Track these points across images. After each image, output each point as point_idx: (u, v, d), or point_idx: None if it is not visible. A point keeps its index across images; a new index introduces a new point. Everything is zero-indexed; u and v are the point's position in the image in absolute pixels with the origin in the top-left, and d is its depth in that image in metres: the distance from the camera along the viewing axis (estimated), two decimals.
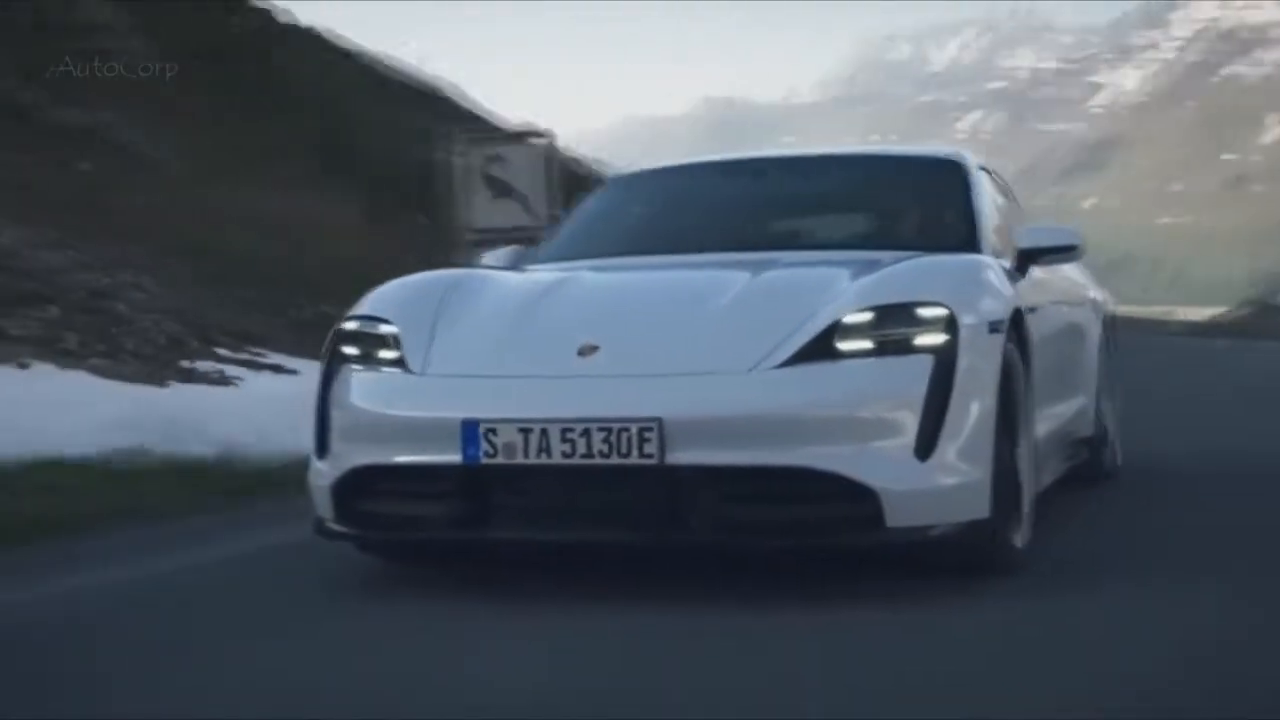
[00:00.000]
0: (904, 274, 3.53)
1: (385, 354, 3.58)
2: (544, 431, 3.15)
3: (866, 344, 3.23)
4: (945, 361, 3.17)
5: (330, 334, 3.74)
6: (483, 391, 3.34)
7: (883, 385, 3.18)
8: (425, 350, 3.52)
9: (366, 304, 3.80)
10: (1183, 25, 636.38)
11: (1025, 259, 4.17)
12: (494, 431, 3.18)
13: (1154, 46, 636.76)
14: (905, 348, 3.22)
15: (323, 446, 3.57)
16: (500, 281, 3.98)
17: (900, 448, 3.13)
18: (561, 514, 3.27)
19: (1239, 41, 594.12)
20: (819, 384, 3.18)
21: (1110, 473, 5.77)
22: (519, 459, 3.16)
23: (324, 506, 3.54)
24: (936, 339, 3.20)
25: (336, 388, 3.58)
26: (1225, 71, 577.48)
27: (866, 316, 3.26)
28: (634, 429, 3.10)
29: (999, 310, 3.46)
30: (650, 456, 3.09)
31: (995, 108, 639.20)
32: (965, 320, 3.25)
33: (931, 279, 3.46)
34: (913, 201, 4.66)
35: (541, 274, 4.06)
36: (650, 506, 3.19)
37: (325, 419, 3.57)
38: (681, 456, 3.09)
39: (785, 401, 3.15)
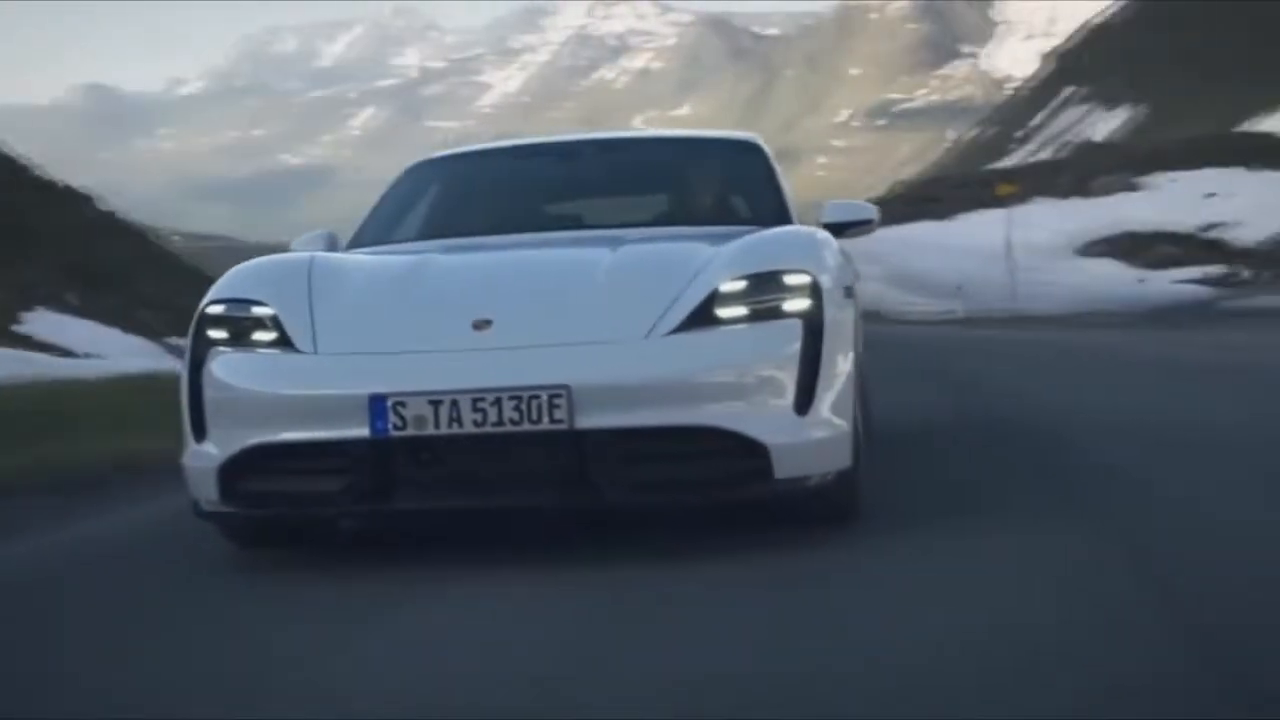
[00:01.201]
0: (766, 244, 3.73)
1: (262, 335, 3.56)
2: (454, 403, 3.24)
3: (742, 310, 3.41)
4: (813, 324, 3.39)
5: (195, 318, 3.68)
6: (386, 367, 3.38)
7: (762, 348, 3.37)
8: (310, 330, 3.52)
9: (227, 288, 3.73)
10: (556, 30, 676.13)
11: (833, 232, 4.25)
12: (403, 404, 3.26)
13: (532, 50, 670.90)
14: (776, 313, 3.41)
15: (200, 429, 3.54)
16: (361, 264, 4.01)
17: (782, 406, 3.33)
18: (471, 482, 3.33)
19: (606, 48, 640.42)
20: (708, 349, 3.34)
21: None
22: (429, 430, 3.24)
23: (205, 488, 3.52)
24: (803, 304, 3.42)
25: (212, 370, 3.54)
26: (596, 75, 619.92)
27: (741, 285, 3.44)
28: (544, 396, 3.22)
29: (848, 276, 3.79)
30: (560, 422, 3.21)
31: (387, 104, 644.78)
32: (826, 285, 3.48)
33: (791, 249, 3.67)
34: (721, 180, 4.91)
35: (400, 256, 4.07)
36: (560, 470, 3.28)
37: (199, 402, 3.54)
38: (588, 421, 3.22)
39: (680, 366, 3.30)
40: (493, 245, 4.28)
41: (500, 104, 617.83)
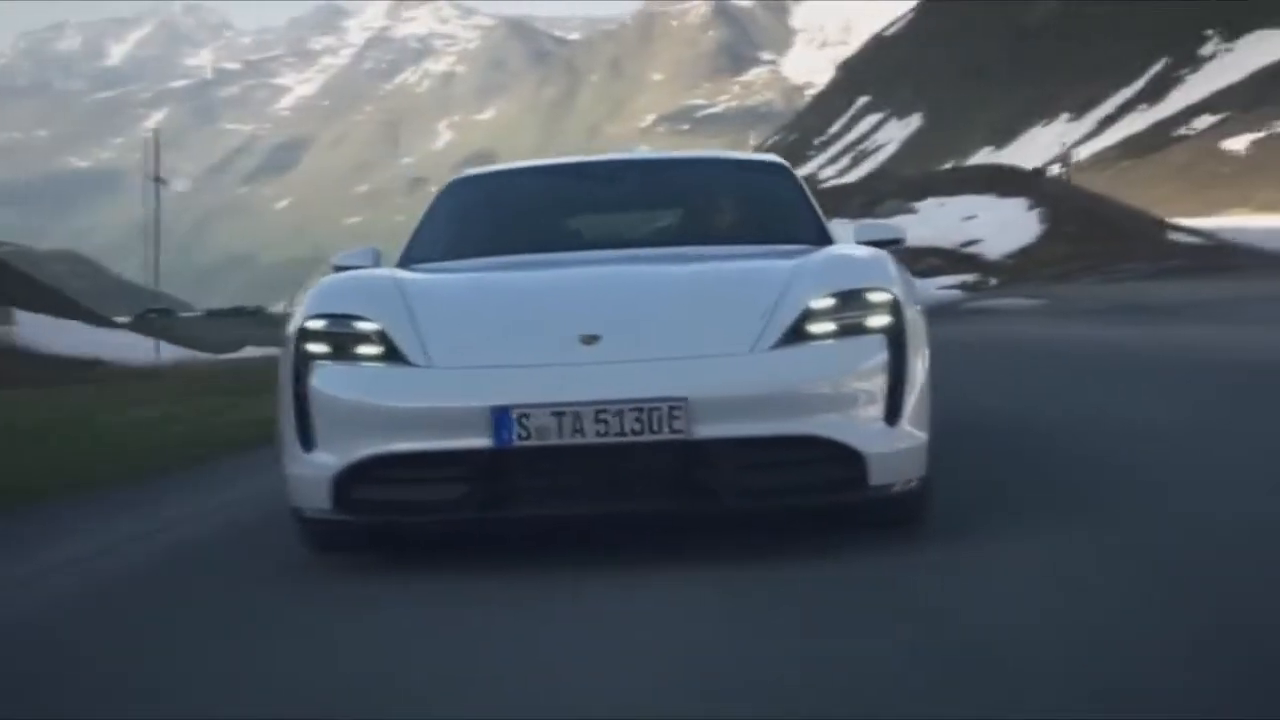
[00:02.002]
0: (846, 263, 3.97)
1: (367, 349, 3.67)
2: (578, 414, 3.38)
3: (832, 326, 3.59)
4: (896, 339, 3.61)
5: (294, 332, 3.78)
6: (506, 380, 3.49)
7: (854, 362, 3.56)
8: (421, 344, 3.63)
9: (324, 303, 3.84)
10: (357, 32, 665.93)
11: None
12: (527, 416, 3.39)
13: (332, 52, 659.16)
14: (862, 329, 3.60)
15: (308, 439, 3.64)
16: (452, 281, 4.19)
17: (875, 416, 3.53)
18: (590, 489, 3.48)
19: (408, 51, 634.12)
20: (808, 362, 3.53)
21: None
22: (551, 440, 3.39)
23: (316, 497, 3.62)
24: (885, 320, 3.62)
25: (317, 383, 3.65)
26: (399, 79, 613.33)
27: (830, 302, 3.62)
28: (664, 408, 3.39)
29: (916, 293, 3.91)
30: (679, 432, 3.39)
31: (180, 105, 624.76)
32: (904, 302, 3.70)
33: (870, 268, 3.86)
34: (758, 198, 5.10)
35: (490, 273, 4.28)
36: (677, 477, 3.45)
37: (306, 413, 3.65)
38: (704, 430, 3.40)
39: (786, 378, 3.48)
40: (576, 261, 4.41)
41: (298, 107, 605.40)
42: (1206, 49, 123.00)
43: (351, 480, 3.57)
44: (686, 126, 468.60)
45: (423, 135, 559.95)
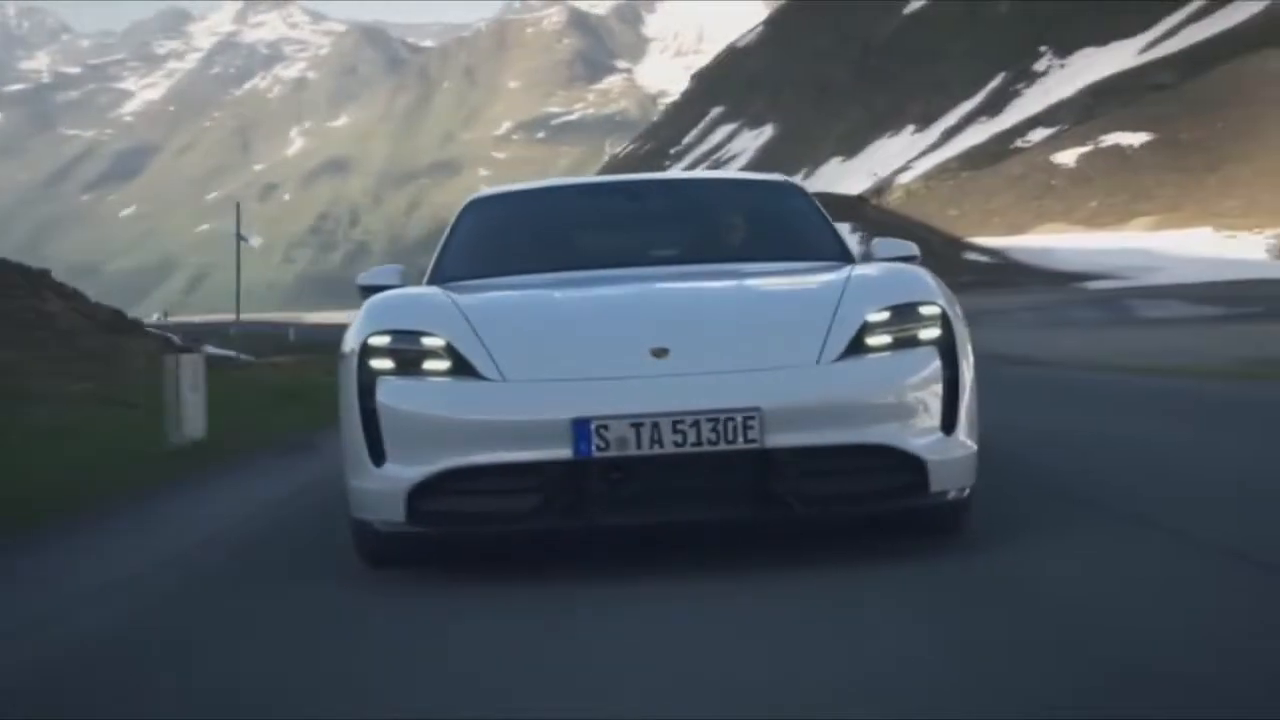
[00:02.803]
0: (896, 278, 4.06)
1: (436, 364, 3.72)
2: (655, 425, 3.47)
3: (888, 339, 3.71)
4: (947, 351, 3.74)
5: (359, 348, 3.81)
6: (582, 393, 3.56)
7: (912, 373, 3.68)
8: (491, 359, 3.69)
9: (387, 320, 3.90)
10: (203, 37, 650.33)
11: None
12: (606, 427, 3.47)
13: (178, 56, 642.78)
14: (916, 341, 3.73)
15: (378, 453, 3.69)
16: (509, 298, 4.25)
17: (933, 426, 3.66)
18: (667, 498, 3.55)
19: (259, 56, 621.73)
20: (870, 373, 3.65)
21: None
22: (630, 451, 3.47)
23: (388, 509, 3.67)
24: (936, 332, 3.75)
25: (386, 398, 3.69)
26: (249, 85, 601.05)
27: (885, 316, 3.74)
28: (739, 418, 3.48)
29: (958, 305, 4.00)
30: (753, 441, 3.48)
31: (16, 111, 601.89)
32: (953, 315, 3.83)
33: (918, 283, 3.96)
34: (780, 217, 5.15)
35: (548, 290, 4.28)
36: (751, 485, 3.54)
37: (376, 428, 3.69)
38: (776, 440, 3.50)
39: (852, 389, 3.61)
40: (629, 278, 4.43)
41: (143, 112, 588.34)
42: (1041, 65, 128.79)
43: (426, 493, 3.62)
44: (542, 135, 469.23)
45: (275, 142, 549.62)
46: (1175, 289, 38.74)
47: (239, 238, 34.21)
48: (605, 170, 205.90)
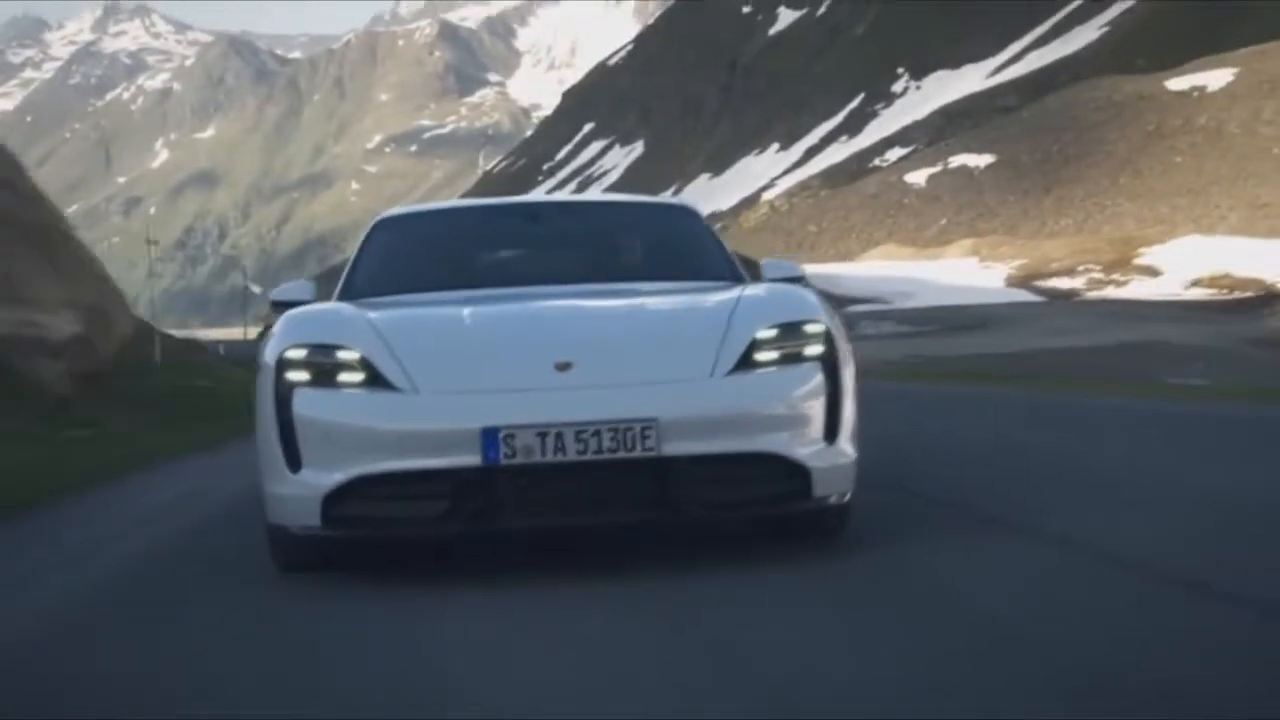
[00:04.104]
0: (783, 298, 4.28)
1: (350, 376, 3.89)
2: (559, 434, 3.67)
3: (775, 354, 3.94)
4: (830, 366, 3.98)
5: (275, 361, 3.97)
6: (491, 403, 3.75)
7: (798, 387, 3.91)
8: (404, 371, 3.86)
9: (301, 333, 4.06)
10: (60, 45, 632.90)
11: None
12: (513, 436, 3.66)
13: (34, 65, 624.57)
14: (801, 357, 3.97)
15: (295, 461, 3.85)
16: (420, 314, 4.40)
17: (817, 435, 3.91)
18: (569, 503, 3.76)
19: (121, 66, 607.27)
20: (760, 387, 3.89)
21: None
22: (536, 458, 3.67)
23: (304, 514, 3.84)
24: (821, 348, 3.99)
25: (302, 408, 3.86)
26: (110, 95, 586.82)
27: (773, 333, 3.98)
28: (638, 427, 3.69)
29: (842, 324, 4.25)
30: (651, 450, 3.69)
31: None
32: (836, 333, 4.07)
33: (804, 302, 4.20)
34: (674, 239, 5.36)
35: (455, 307, 4.40)
36: (648, 491, 3.76)
37: (292, 437, 3.86)
38: (672, 448, 3.71)
39: (743, 401, 3.84)
40: (534, 295, 4.63)
41: None
42: (898, 86, 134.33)
43: (340, 498, 3.77)
44: (414, 148, 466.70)
45: (138, 154, 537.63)
46: (899, 312, 46.46)
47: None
48: (479, 184, 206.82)
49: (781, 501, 3.90)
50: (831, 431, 3.93)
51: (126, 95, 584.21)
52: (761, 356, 3.92)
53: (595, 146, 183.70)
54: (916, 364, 23.05)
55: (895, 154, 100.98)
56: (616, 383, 3.80)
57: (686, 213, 5.57)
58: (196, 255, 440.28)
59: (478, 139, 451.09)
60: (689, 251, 5.19)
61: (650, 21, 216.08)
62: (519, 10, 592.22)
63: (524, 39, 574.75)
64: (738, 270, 5.01)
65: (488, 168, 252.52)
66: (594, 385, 3.79)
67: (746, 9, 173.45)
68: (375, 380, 3.87)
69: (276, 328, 4.18)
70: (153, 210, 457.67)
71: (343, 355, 3.94)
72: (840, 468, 3.96)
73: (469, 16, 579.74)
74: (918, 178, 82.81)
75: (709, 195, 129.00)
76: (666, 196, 7.03)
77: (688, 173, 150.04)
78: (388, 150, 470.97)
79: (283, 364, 3.95)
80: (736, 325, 3.98)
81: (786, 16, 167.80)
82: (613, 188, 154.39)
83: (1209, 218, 66.98)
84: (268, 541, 4.14)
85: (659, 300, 4.46)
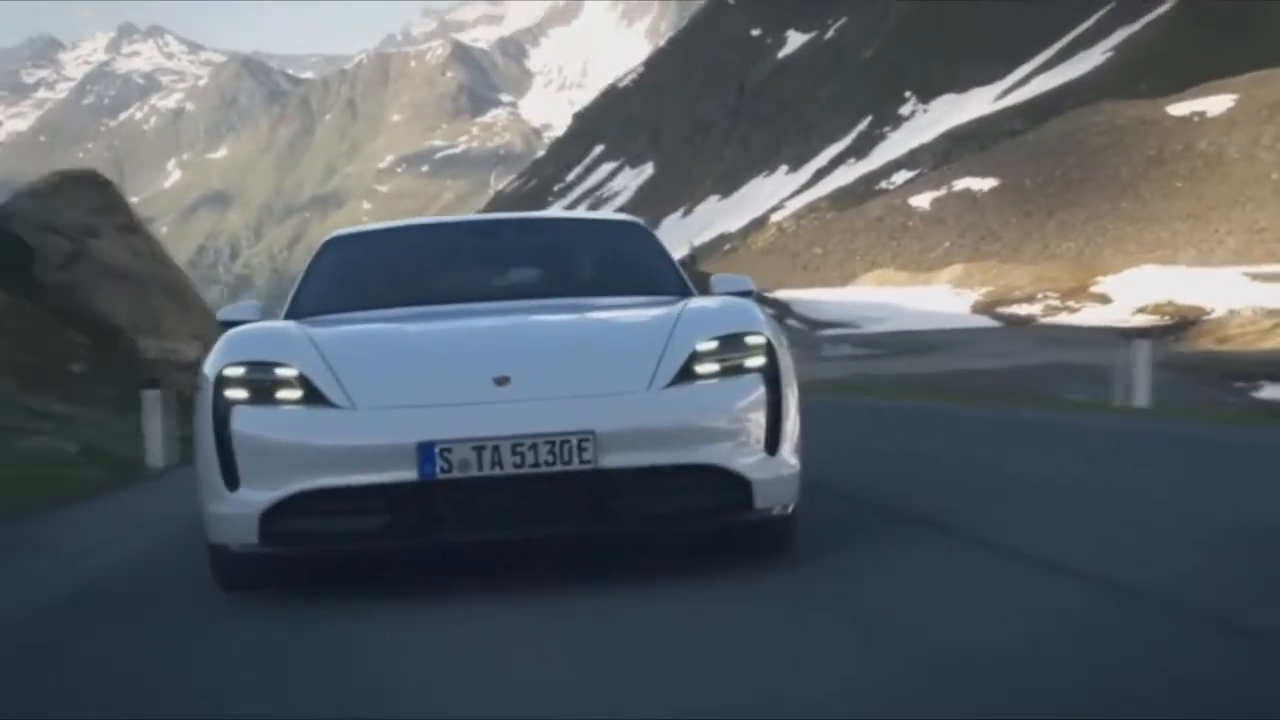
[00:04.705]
0: (724, 311, 4.30)
1: (288, 393, 3.88)
2: (496, 448, 3.68)
3: (715, 367, 3.96)
4: (772, 378, 4.00)
5: (214, 378, 3.97)
6: (427, 418, 3.75)
7: (738, 399, 3.92)
8: (341, 388, 3.86)
9: (240, 351, 4.07)
10: (75, 66, 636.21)
11: None
12: (449, 450, 3.67)
13: (48, 85, 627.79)
14: (742, 369, 3.98)
15: (232, 479, 3.85)
16: (361, 331, 4.41)
17: (758, 447, 3.91)
18: (508, 516, 3.76)
19: (134, 87, 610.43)
20: (698, 399, 3.90)
21: None
22: (472, 472, 3.68)
23: (242, 532, 3.84)
24: (761, 360, 4.01)
25: (240, 425, 3.86)
26: (124, 115, 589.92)
27: (713, 345, 3.99)
28: (574, 440, 3.70)
29: (783, 337, 4.29)
30: (588, 462, 3.71)
31: None
32: (778, 345, 4.10)
33: (745, 314, 4.22)
34: (623, 255, 5.38)
35: (397, 324, 4.47)
36: (586, 503, 3.76)
37: (230, 454, 3.85)
38: (609, 461, 3.73)
39: (680, 413, 3.85)
40: (476, 312, 4.60)
41: (10, 143, 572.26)
42: (906, 109, 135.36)
43: (278, 515, 3.76)
44: (427, 168, 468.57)
45: (151, 174, 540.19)
46: (860, 336, 49.33)
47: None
48: (491, 205, 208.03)
49: (722, 513, 3.92)
50: (773, 443, 3.96)
51: (139, 115, 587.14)
52: (702, 369, 3.93)
53: (606, 168, 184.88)
54: (851, 382, 25.37)
55: (902, 176, 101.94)
56: (554, 396, 3.83)
57: (637, 229, 5.61)
58: (209, 275, 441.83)
59: (489, 159, 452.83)
60: (639, 267, 5.22)
61: (661, 44, 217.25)
62: (531, 31, 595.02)
63: (536, 60, 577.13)
64: (687, 285, 5.05)
65: (499, 188, 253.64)
66: (531, 399, 3.82)
67: (756, 32, 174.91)
68: (313, 397, 3.88)
69: (216, 346, 4.19)
70: (165, 230, 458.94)
71: (280, 372, 3.95)
72: (782, 479, 3.99)
73: (481, 37, 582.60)
74: (922, 201, 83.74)
75: (718, 217, 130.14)
76: (614, 213, 7.12)
77: (697, 194, 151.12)
78: (400, 170, 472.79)
79: (221, 381, 3.97)
80: (677, 338, 4.00)
81: (795, 39, 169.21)
82: (622, 209, 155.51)
83: (1208, 242, 68.05)
84: (209, 561, 4.10)
85: (601, 315, 4.56)
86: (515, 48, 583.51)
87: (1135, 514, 5.09)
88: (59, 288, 22.89)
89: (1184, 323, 47.09)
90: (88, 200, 26.44)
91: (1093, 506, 5.37)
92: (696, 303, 4.52)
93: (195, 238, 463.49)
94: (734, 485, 3.88)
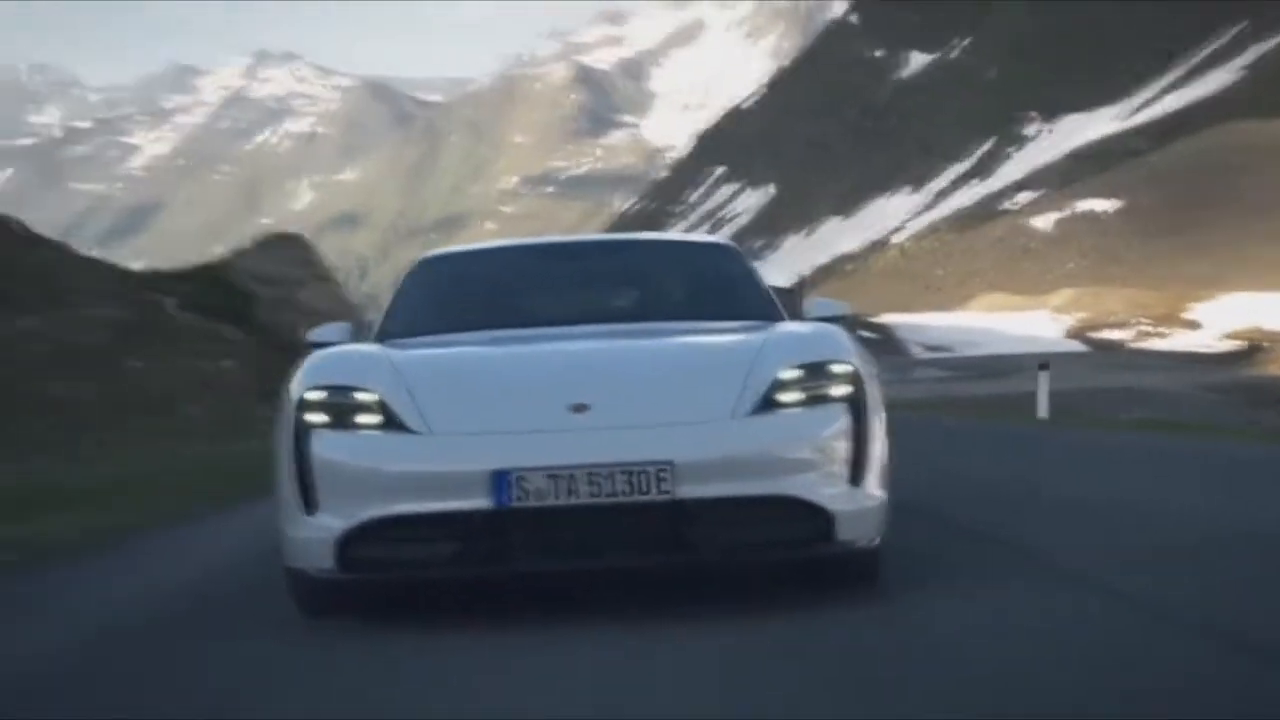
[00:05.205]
0: (810, 338, 4.27)
1: (367, 418, 3.90)
2: (571, 477, 3.66)
3: (799, 395, 3.90)
4: (857, 407, 3.92)
5: (295, 402, 3.99)
6: (503, 446, 3.76)
7: (821, 428, 3.86)
8: (420, 413, 3.87)
9: (321, 375, 4.09)
10: (211, 91, 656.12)
11: None
12: (524, 479, 3.66)
13: (186, 111, 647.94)
14: (827, 398, 3.92)
15: (311, 503, 3.86)
16: (443, 355, 4.45)
17: (841, 478, 3.84)
18: (582, 546, 3.74)
19: (266, 111, 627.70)
20: (780, 428, 3.85)
21: None
22: (548, 501, 3.66)
23: (319, 556, 3.85)
24: (847, 389, 3.94)
25: (319, 450, 3.87)
26: (258, 138, 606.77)
27: (797, 374, 3.93)
28: (652, 470, 3.67)
29: (874, 365, 4.24)
30: (666, 492, 3.67)
31: (26, 165, 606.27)
32: (864, 374, 4.02)
33: (831, 342, 4.17)
34: (712, 278, 5.31)
35: (479, 348, 4.53)
36: (663, 534, 3.73)
37: (309, 479, 3.86)
38: (687, 491, 3.68)
39: (761, 443, 3.79)
40: (558, 336, 4.57)
41: (151, 166, 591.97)
42: (1030, 129, 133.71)
43: (354, 541, 3.77)
44: (550, 189, 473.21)
45: (283, 195, 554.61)
46: (952, 360, 51.69)
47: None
48: (612, 225, 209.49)
49: (802, 545, 3.86)
50: (857, 474, 3.89)
51: (272, 139, 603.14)
52: (784, 397, 3.89)
53: (726, 189, 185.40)
54: (926, 401, 27.38)
55: (1025, 197, 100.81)
56: (631, 424, 3.80)
57: (726, 251, 5.56)
58: None
59: (611, 180, 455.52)
60: (727, 291, 5.15)
61: (784, 64, 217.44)
62: (653, 52, 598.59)
63: (658, 80, 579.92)
64: (776, 310, 4.98)
65: (621, 209, 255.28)
66: (608, 427, 3.79)
67: (879, 53, 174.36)
68: (391, 422, 3.89)
69: (300, 368, 4.20)
70: None
71: (360, 397, 3.95)
72: (867, 511, 3.91)
73: (603, 59, 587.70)
74: (1044, 222, 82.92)
75: (838, 237, 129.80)
76: (706, 235, 7.23)
77: (817, 215, 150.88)
78: (523, 191, 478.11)
79: (302, 405, 3.98)
80: (760, 365, 3.96)
81: (917, 60, 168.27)
82: (743, 230, 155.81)
83: None
84: (288, 585, 4.11)
85: (686, 340, 4.53)
86: (637, 69, 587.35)
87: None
88: (274, 326, 27.57)
89: (1256, 349, 49.41)
90: (289, 255, 32.52)
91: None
92: (783, 329, 4.48)
93: (325, 258, 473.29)
94: (815, 517, 3.81)
